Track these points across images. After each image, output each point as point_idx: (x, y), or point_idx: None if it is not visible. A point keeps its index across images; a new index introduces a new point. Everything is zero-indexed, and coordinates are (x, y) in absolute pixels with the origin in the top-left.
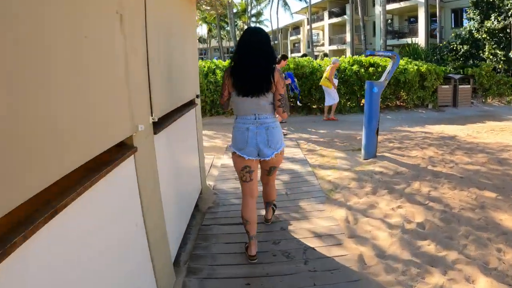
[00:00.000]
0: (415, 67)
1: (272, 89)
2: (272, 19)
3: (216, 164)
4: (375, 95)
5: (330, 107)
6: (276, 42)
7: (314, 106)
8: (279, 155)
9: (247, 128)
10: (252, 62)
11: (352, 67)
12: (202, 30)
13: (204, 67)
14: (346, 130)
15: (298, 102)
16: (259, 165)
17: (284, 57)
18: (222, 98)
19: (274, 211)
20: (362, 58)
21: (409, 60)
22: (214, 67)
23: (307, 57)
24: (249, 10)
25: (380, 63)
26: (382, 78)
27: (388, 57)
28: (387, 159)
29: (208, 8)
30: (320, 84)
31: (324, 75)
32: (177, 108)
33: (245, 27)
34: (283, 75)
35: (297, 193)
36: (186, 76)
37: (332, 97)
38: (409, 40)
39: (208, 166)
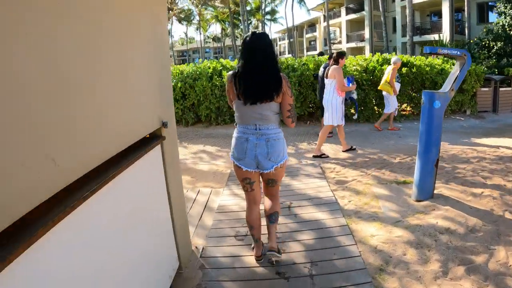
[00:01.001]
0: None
1: (277, 98)
2: (287, 17)
3: (212, 205)
4: (437, 111)
5: (388, 116)
6: (291, 40)
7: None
8: (279, 169)
9: (247, 139)
10: (256, 69)
11: (383, 67)
12: (216, 29)
13: (209, 68)
14: (379, 147)
15: (355, 114)
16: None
17: (341, 54)
18: (229, 102)
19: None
20: (390, 56)
21: (445, 58)
22: (221, 67)
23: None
24: (263, 7)
25: (415, 63)
26: (447, 88)
27: (455, 56)
28: (449, 202)
29: (222, 5)
30: (379, 88)
31: (384, 78)
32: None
33: (260, 25)
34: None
35: (326, 273)
36: (134, 99)
37: (391, 104)
38: (431, 37)
39: (201, 207)
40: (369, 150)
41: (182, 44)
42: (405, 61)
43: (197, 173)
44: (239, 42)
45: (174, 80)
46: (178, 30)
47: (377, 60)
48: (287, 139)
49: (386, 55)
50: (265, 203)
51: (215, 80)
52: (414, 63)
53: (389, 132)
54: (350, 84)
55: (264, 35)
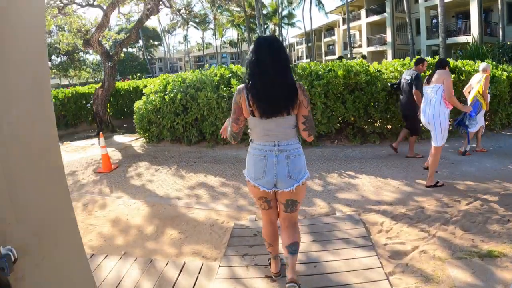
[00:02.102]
0: (505, 74)
1: (294, 110)
2: (305, 20)
3: None
4: None
5: (474, 135)
6: (309, 44)
7: (368, 129)
8: (300, 187)
9: (265, 156)
10: (270, 80)
11: (426, 74)
12: (233, 33)
13: (215, 75)
14: (454, 177)
15: (467, 147)
16: None
17: (421, 60)
18: (237, 125)
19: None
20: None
21: (493, 62)
22: (229, 75)
23: (361, 60)
24: (279, 11)
25: (464, 68)
26: None
27: None
28: None
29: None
30: (470, 101)
31: (476, 88)
32: None
33: (276, 29)
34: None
35: None
36: None
37: (479, 120)
38: (459, 39)
39: None
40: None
41: (199, 50)
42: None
43: (188, 224)
44: None
45: (175, 90)
46: (195, 35)
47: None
48: (308, 165)
49: (427, 58)
50: (282, 235)
51: (222, 90)
52: (463, 68)
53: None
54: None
55: (274, 40)
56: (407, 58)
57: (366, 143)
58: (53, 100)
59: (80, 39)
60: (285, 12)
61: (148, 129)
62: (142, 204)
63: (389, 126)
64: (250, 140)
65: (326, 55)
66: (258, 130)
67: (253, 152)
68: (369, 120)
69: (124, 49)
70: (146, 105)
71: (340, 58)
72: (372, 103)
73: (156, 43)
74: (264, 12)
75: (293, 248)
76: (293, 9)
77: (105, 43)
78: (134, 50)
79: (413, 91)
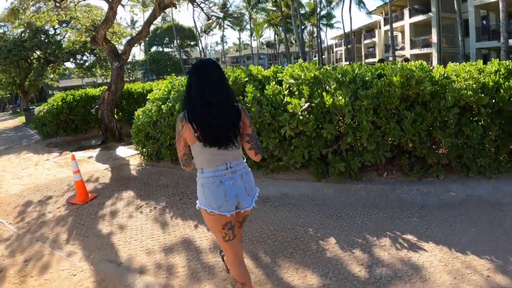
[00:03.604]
0: None
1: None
2: (344, 21)
3: None
4: None
5: None
6: (349, 46)
7: (431, 159)
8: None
9: (221, 181)
10: (218, 104)
11: (510, 82)
12: (270, 34)
13: (229, 76)
14: None
15: None
16: None
17: None
18: (180, 153)
19: None
20: None
21: None
22: (246, 79)
23: (421, 62)
24: (318, 11)
25: None
26: None
27: None
28: None
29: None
30: None
31: None
32: None
33: (315, 30)
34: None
35: None
36: None
37: None
38: None
39: None
40: None
41: (236, 51)
42: None
43: None
44: (293, 48)
45: (174, 99)
46: (233, 36)
47: (497, 72)
48: (348, 215)
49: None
50: None
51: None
52: None
53: None
54: None
55: (213, 64)
56: (479, 61)
57: (426, 178)
58: (60, 103)
59: (87, 36)
60: (323, 12)
61: (145, 145)
62: (88, 277)
63: (459, 156)
64: (200, 171)
65: (366, 58)
66: (206, 156)
67: (206, 182)
68: (433, 146)
69: (160, 48)
70: (143, 116)
71: (381, 61)
72: (438, 123)
73: (192, 43)
74: (302, 12)
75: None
76: (332, 8)
77: (117, 41)
78: (170, 50)
79: None
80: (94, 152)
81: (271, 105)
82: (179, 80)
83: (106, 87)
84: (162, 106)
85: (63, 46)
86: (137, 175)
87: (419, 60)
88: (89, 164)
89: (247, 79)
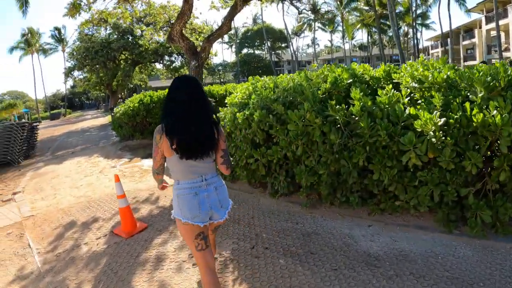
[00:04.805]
0: None
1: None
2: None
3: None
4: None
5: None
6: (446, 47)
7: None
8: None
9: (196, 193)
10: (195, 119)
11: None
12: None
13: (324, 80)
14: None
15: None
16: None
17: None
18: (156, 163)
19: None
20: None
21: None
22: (349, 80)
23: None
24: (413, 10)
25: None
26: None
27: None
28: None
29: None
30: None
31: None
32: None
33: (410, 30)
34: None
35: None
36: None
37: None
38: None
39: None
40: None
41: (328, 53)
42: None
43: None
44: (387, 50)
45: (253, 105)
46: (324, 38)
47: None
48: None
49: None
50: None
51: (333, 109)
52: None
53: None
54: None
55: (192, 78)
56: None
57: None
58: (137, 104)
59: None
60: (418, 11)
61: None
62: None
63: None
64: (176, 182)
65: (464, 60)
66: (182, 168)
67: (181, 193)
68: None
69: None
70: None
71: (483, 63)
72: None
73: (283, 45)
74: (396, 11)
75: None
76: (429, 6)
77: (196, 39)
78: (261, 52)
79: None
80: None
81: (387, 119)
82: (262, 81)
83: (221, 87)
84: (238, 114)
85: (141, 43)
86: None
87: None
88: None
89: (350, 80)
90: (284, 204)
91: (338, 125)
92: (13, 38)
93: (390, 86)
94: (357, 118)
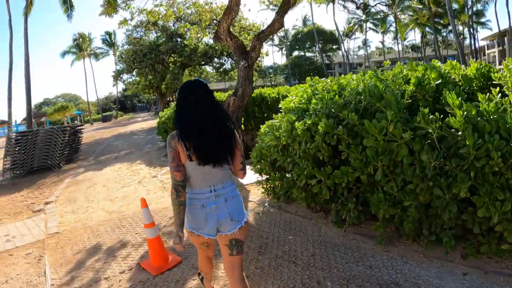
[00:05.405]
0: None
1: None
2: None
3: None
4: None
5: None
6: (504, 47)
7: None
8: (243, 228)
9: (203, 205)
10: (211, 124)
11: None
12: (415, 36)
13: (407, 81)
14: None
15: None
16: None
17: None
18: (180, 172)
19: None
20: None
21: None
22: (438, 81)
23: None
24: (468, 7)
25: None
26: None
27: None
28: None
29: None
30: None
31: None
32: None
33: (465, 30)
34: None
35: None
36: None
37: None
38: None
39: None
40: None
41: (379, 55)
42: None
43: None
44: (442, 51)
45: (317, 112)
46: (375, 40)
47: None
48: None
49: None
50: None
51: (423, 118)
52: None
53: None
54: None
55: (204, 84)
56: None
57: None
58: None
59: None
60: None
61: (269, 177)
62: None
63: None
64: (188, 188)
65: None
66: (196, 175)
67: (190, 203)
68: None
69: (301, 53)
70: (268, 136)
71: None
72: None
73: (334, 46)
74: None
75: None
76: (487, 2)
77: (246, 37)
78: (312, 54)
79: None
80: None
81: (500, 135)
82: (323, 83)
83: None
84: (296, 124)
85: (186, 43)
86: (253, 222)
87: None
88: None
89: (439, 80)
90: (352, 236)
91: (428, 141)
92: (66, 42)
93: (498, 89)
94: (459, 133)
